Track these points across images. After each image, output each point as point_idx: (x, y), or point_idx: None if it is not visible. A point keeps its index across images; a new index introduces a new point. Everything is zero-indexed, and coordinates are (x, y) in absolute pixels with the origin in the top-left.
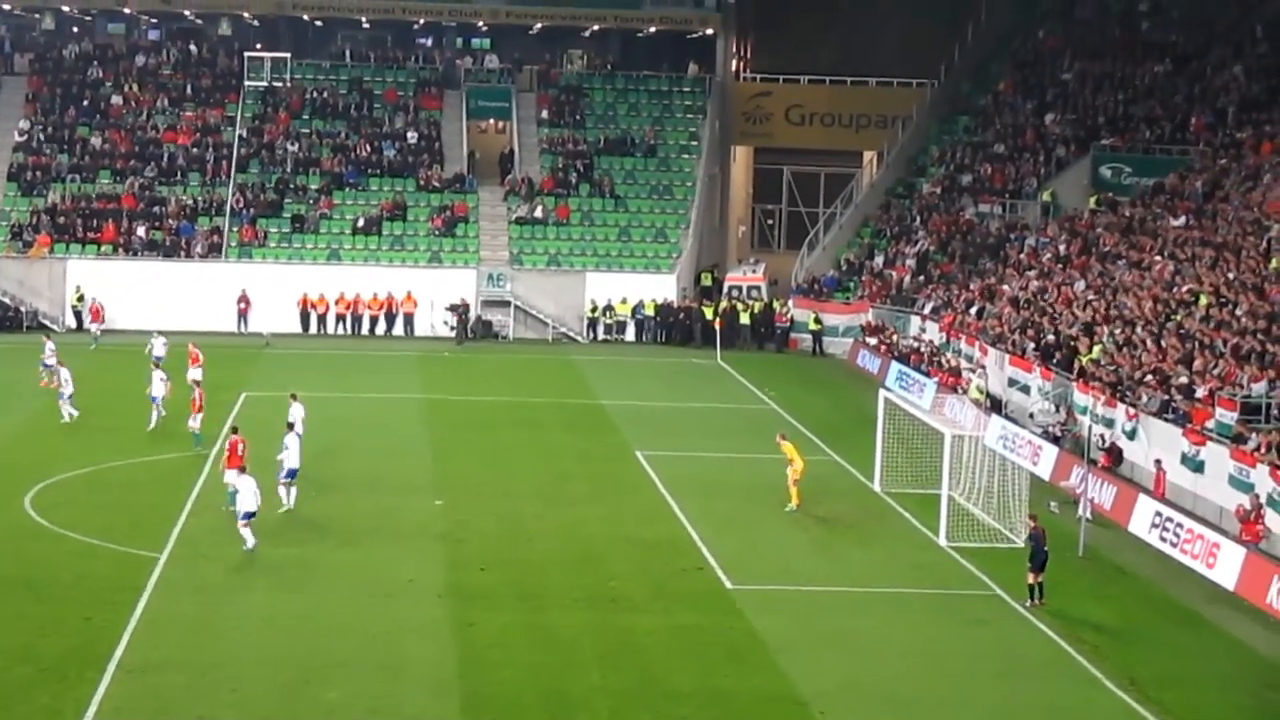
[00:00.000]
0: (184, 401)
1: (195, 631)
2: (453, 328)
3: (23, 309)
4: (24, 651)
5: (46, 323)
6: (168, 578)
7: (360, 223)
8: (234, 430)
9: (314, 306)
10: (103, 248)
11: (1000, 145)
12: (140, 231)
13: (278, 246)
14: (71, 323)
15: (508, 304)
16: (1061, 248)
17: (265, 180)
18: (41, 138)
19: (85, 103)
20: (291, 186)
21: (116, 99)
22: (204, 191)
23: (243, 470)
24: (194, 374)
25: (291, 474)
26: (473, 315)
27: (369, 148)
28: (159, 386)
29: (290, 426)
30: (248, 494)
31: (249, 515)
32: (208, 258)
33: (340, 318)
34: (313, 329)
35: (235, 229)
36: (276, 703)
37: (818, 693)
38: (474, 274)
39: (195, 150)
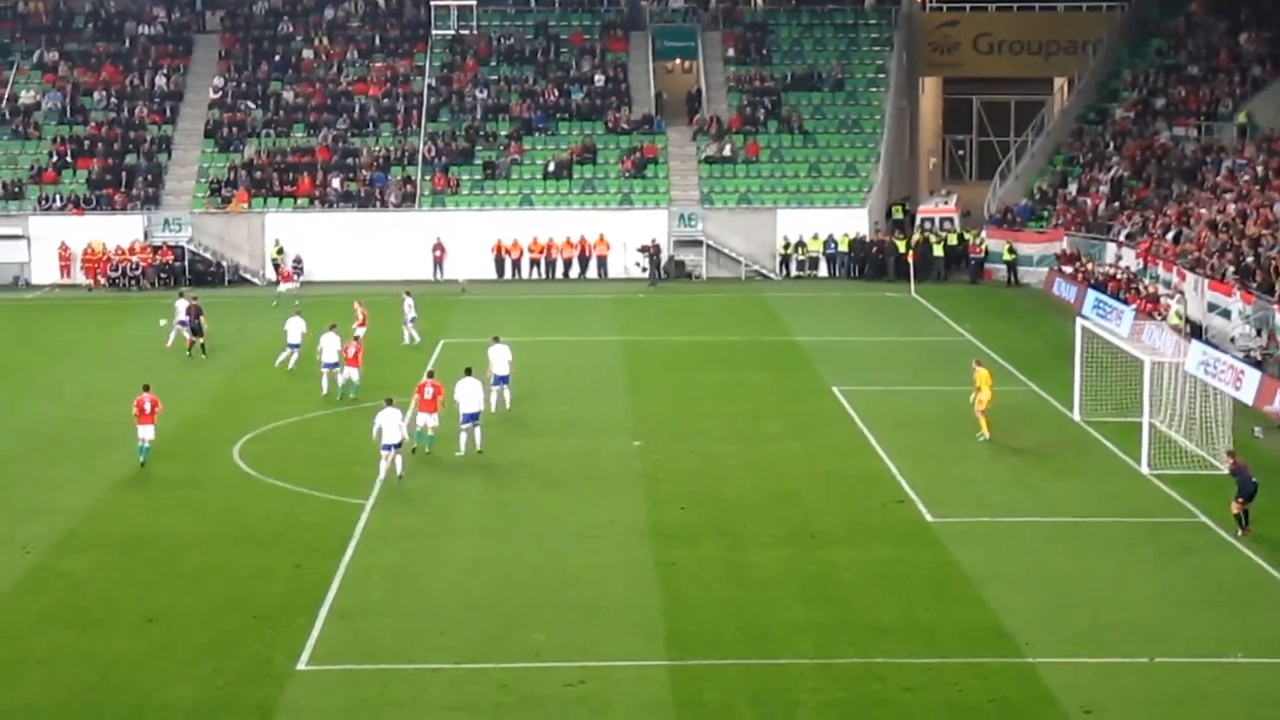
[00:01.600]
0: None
1: (402, 577)
2: (645, 269)
3: (223, 264)
4: (236, 600)
5: (248, 276)
6: (374, 525)
7: (551, 167)
8: (430, 374)
9: (508, 252)
10: (299, 201)
11: (1194, 67)
12: (335, 183)
13: (470, 194)
14: (272, 276)
15: (699, 243)
16: (1259, 169)
17: (455, 128)
18: (235, 94)
19: (276, 58)
20: (482, 134)
21: (307, 53)
22: (396, 141)
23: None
24: (358, 332)
25: (468, 418)
26: (665, 256)
27: (556, 92)
28: (330, 351)
29: (468, 371)
30: (391, 427)
31: (388, 447)
32: (402, 207)
33: (534, 262)
34: (507, 274)
35: (428, 177)
36: (483, 646)
37: (1021, 624)
38: (665, 214)
39: (386, 101)
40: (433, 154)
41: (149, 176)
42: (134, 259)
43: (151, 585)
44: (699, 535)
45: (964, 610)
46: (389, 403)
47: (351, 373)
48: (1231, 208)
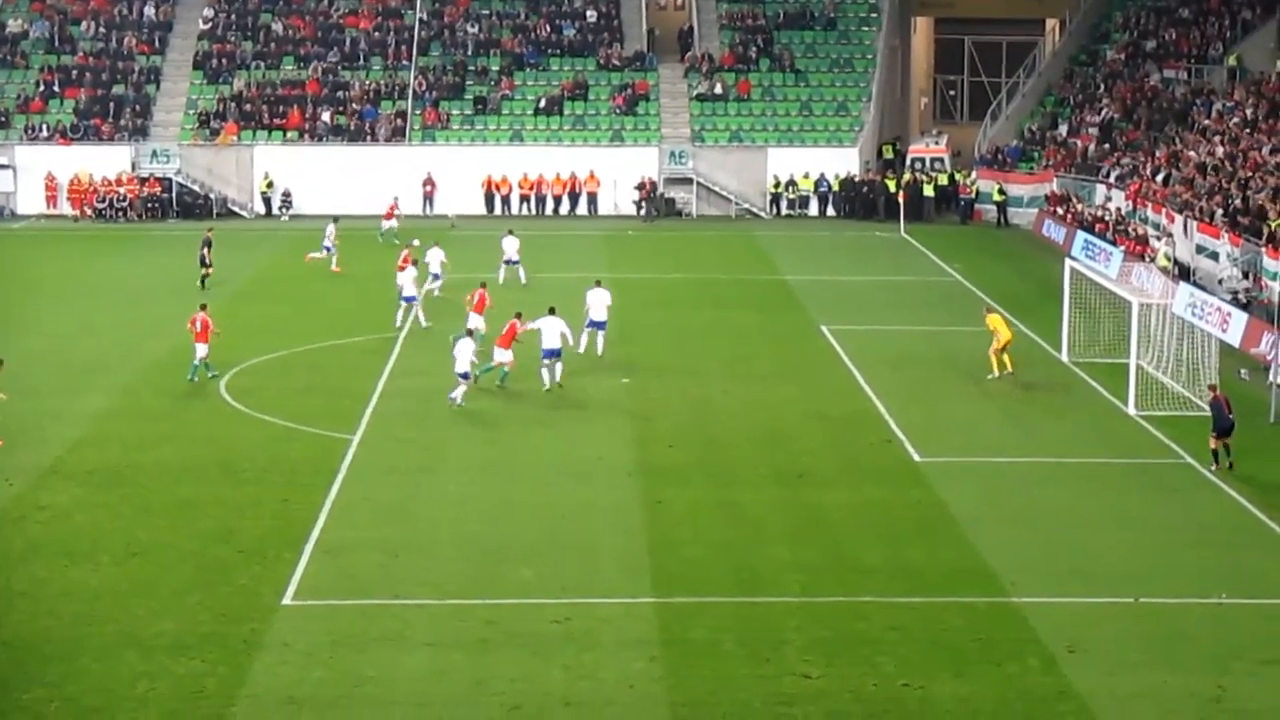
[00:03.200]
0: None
1: (390, 512)
2: (642, 207)
3: (211, 196)
4: (223, 533)
5: (236, 209)
6: (362, 460)
7: (542, 103)
8: (517, 315)
9: (498, 188)
10: (288, 134)
11: (1185, 9)
12: (325, 117)
13: (460, 129)
14: (261, 209)
15: (690, 181)
16: (1248, 112)
17: (446, 63)
18: (225, 25)
19: None
20: (472, 68)
21: None
22: (386, 75)
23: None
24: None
25: (549, 354)
26: (656, 193)
27: (548, 27)
28: (410, 287)
29: (551, 310)
30: (463, 357)
31: (462, 375)
32: (392, 141)
33: (524, 198)
34: (497, 210)
35: (418, 112)
36: (470, 582)
37: (1007, 565)
38: (656, 152)
39: (377, 34)
40: (423, 88)
41: (137, 107)
42: (121, 190)
43: (136, 518)
44: (687, 474)
45: (950, 550)
46: (469, 334)
47: (477, 320)
48: (1220, 150)
